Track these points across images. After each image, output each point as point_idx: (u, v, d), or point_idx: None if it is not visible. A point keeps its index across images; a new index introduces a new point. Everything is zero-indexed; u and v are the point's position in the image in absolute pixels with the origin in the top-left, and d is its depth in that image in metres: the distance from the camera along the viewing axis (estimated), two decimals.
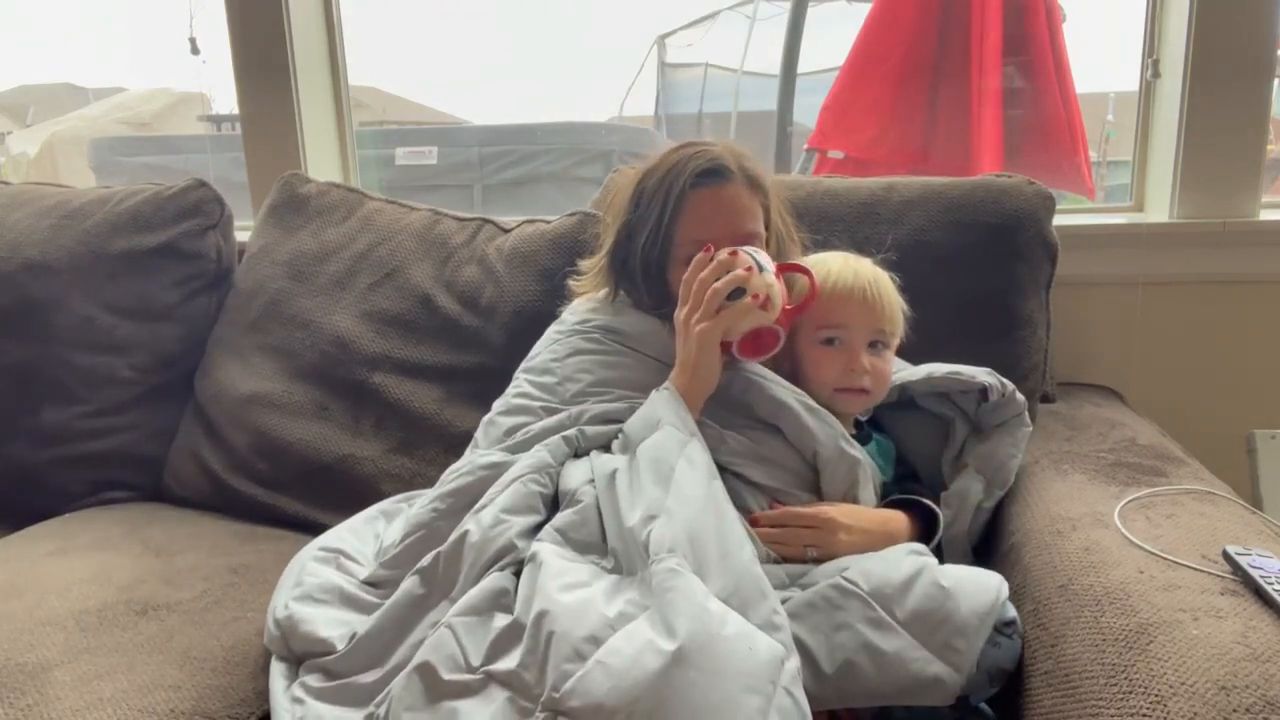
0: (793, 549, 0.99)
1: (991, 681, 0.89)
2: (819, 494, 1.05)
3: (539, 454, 1.01)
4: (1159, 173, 1.63)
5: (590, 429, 1.04)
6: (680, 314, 1.02)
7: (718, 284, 0.99)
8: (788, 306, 1.03)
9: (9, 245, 1.54)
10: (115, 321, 1.51)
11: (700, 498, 0.90)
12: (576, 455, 1.03)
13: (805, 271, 1.07)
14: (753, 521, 1.00)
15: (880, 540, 1.00)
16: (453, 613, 0.86)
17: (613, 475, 0.94)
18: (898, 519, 1.07)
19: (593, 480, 0.97)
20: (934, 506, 1.09)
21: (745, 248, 1.04)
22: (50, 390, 1.49)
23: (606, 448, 1.03)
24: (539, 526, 0.95)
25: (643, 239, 1.08)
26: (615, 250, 1.14)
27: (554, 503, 0.99)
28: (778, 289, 1.02)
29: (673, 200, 1.06)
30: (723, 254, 1.02)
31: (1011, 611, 0.90)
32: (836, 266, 1.11)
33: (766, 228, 1.12)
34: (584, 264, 1.23)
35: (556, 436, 1.03)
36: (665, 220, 1.07)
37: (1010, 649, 0.89)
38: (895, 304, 1.11)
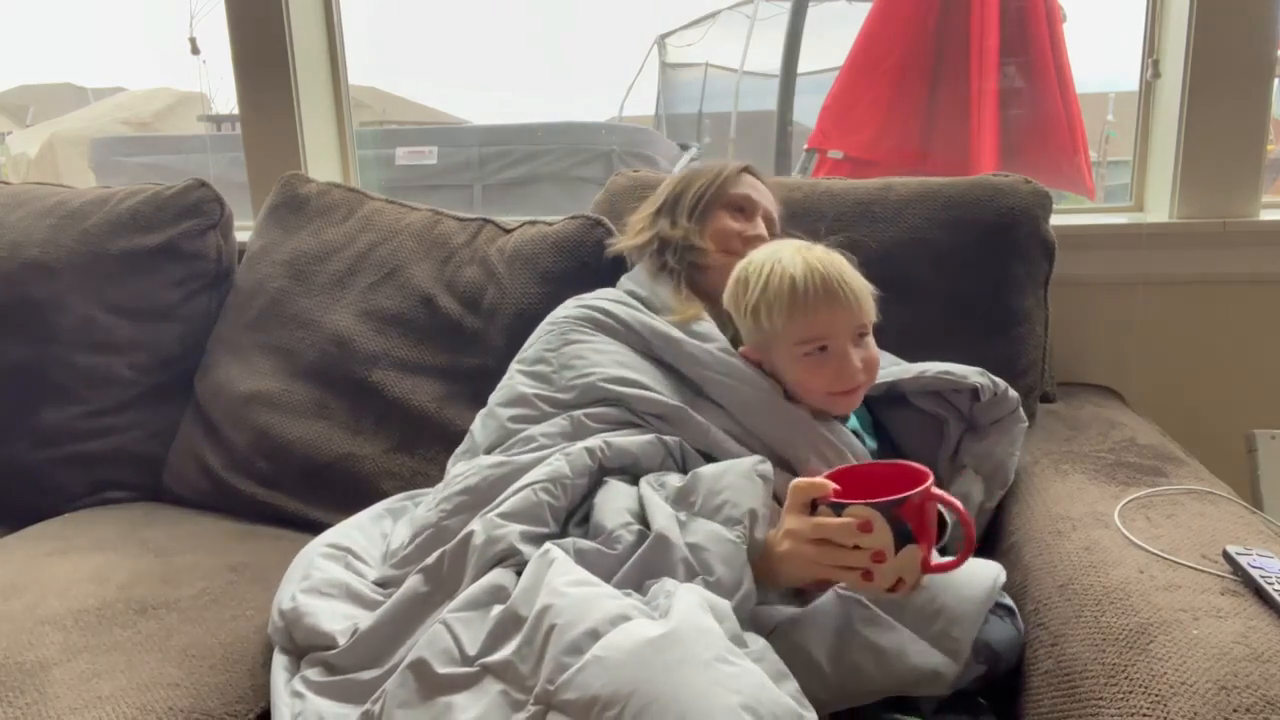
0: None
1: (977, 658, 0.88)
2: None
3: (557, 464, 0.98)
4: (1159, 173, 1.63)
5: (615, 440, 1.01)
6: (797, 536, 0.88)
7: (843, 574, 0.86)
8: (932, 564, 0.86)
9: (9, 245, 1.54)
10: (115, 321, 1.51)
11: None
12: (603, 469, 1.00)
13: (964, 521, 0.85)
14: None
15: None
16: (449, 609, 0.86)
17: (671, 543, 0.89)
18: None
19: (631, 524, 0.92)
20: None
21: (941, 502, 0.86)
22: (50, 390, 1.49)
23: (631, 463, 1.01)
24: (545, 537, 0.93)
25: (697, 186, 1.27)
26: (669, 198, 1.29)
27: (567, 516, 0.97)
28: (911, 568, 0.85)
29: (727, 171, 1.29)
30: (886, 539, 0.83)
31: (1008, 599, 0.91)
32: (800, 273, 1.03)
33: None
34: (629, 219, 1.35)
35: (578, 447, 1.00)
36: (720, 179, 1.28)
37: (1001, 628, 0.89)
38: (865, 290, 1.06)
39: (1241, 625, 0.73)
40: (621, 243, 1.33)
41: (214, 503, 1.43)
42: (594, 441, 1.01)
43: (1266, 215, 1.55)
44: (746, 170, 1.32)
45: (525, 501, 0.94)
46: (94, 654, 0.98)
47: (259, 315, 1.50)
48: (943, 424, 1.15)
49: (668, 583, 0.84)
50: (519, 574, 0.87)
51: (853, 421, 1.14)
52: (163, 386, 1.54)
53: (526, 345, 1.20)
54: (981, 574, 0.90)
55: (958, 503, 0.84)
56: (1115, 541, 0.91)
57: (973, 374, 1.11)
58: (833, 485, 0.86)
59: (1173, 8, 1.58)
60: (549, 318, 1.21)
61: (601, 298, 1.21)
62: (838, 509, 0.84)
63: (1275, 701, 0.65)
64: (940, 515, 0.95)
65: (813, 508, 0.87)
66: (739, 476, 0.94)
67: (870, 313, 1.06)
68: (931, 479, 0.85)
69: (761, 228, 1.26)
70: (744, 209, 1.27)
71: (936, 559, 0.86)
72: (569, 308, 1.20)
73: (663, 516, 0.91)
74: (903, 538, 0.83)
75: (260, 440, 1.41)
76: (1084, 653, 0.79)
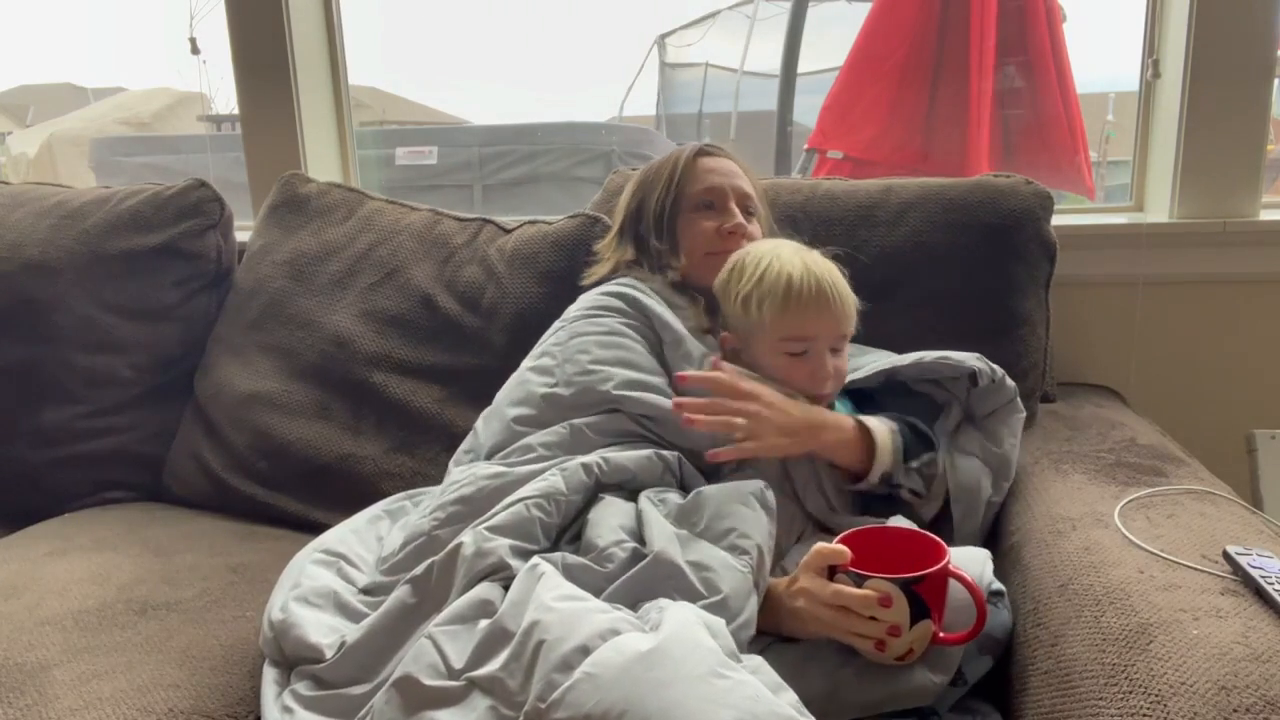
0: (716, 425, 0.98)
1: (981, 652, 0.89)
2: None
3: (552, 480, 0.97)
4: (1159, 173, 1.63)
5: (613, 456, 1.00)
6: (813, 598, 0.88)
7: (857, 640, 0.87)
8: (942, 637, 0.88)
9: (9, 245, 1.54)
10: (115, 321, 1.51)
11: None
12: (600, 485, 0.99)
13: (975, 593, 0.86)
14: (681, 378, 1.04)
15: (806, 437, 1.02)
16: (436, 622, 0.85)
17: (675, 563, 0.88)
18: (834, 421, 1.05)
19: (624, 542, 0.91)
20: (868, 424, 1.07)
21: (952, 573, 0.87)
22: (50, 390, 1.49)
23: (629, 478, 1.00)
24: (535, 553, 0.91)
25: (654, 198, 1.22)
26: (627, 217, 1.26)
27: (559, 533, 0.97)
28: (922, 640, 0.87)
29: (680, 167, 1.22)
30: (903, 614, 0.85)
31: (997, 583, 0.91)
32: (797, 272, 1.06)
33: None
34: (598, 246, 1.33)
35: (575, 463, 0.99)
36: (675, 180, 1.22)
37: (996, 617, 0.89)
38: (853, 303, 1.09)
39: (1241, 625, 0.73)
40: (594, 274, 1.28)
41: (214, 503, 1.43)
42: (591, 457, 1.00)
43: (1266, 215, 1.55)
44: (702, 153, 1.24)
45: (516, 516, 0.93)
46: (94, 655, 0.98)
47: (259, 315, 1.50)
48: (941, 410, 1.15)
49: (661, 600, 0.83)
50: (506, 588, 0.86)
51: (836, 406, 1.14)
52: (163, 386, 1.54)
53: (538, 343, 1.20)
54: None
55: (972, 580, 0.86)
56: (1115, 541, 0.91)
57: (970, 359, 1.11)
58: (849, 554, 0.87)
59: (1173, 8, 1.58)
60: (560, 319, 1.20)
61: (622, 283, 1.19)
62: (857, 578, 0.86)
63: (1275, 701, 0.65)
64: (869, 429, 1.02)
65: (830, 572, 0.88)
66: (744, 505, 0.94)
67: (852, 324, 1.09)
68: (949, 555, 0.86)
69: (738, 214, 1.20)
70: (712, 204, 1.21)
71: (946, 632, 0.88)
72: (590, 297, 1.19)
73: (662, 536, 0.90)
74: (917, 609, 0.85)
75: (260, 440, 1.41)
76: (1084, 653, 0.79)
